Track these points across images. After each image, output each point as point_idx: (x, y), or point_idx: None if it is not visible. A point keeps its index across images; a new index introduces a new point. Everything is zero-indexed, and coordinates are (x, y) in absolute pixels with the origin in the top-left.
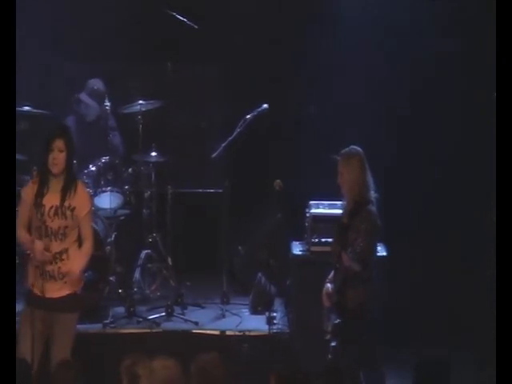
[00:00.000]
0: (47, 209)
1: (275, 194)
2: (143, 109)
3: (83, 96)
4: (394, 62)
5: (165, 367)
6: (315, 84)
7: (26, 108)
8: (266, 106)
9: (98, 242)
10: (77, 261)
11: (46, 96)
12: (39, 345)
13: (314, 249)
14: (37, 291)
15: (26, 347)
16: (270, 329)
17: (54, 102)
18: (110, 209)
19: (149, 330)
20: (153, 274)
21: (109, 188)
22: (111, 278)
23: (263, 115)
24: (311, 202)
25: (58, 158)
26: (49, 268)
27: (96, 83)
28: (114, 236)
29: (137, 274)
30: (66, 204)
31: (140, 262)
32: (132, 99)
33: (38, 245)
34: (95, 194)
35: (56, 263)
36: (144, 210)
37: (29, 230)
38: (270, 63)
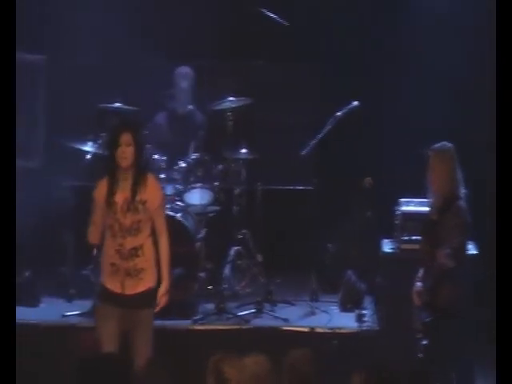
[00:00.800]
0: (119, 205)
1: (365, 191)
2: (233, 105)
3: (178, 79)
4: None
5: (255, 363)
6: (404, 81)
7: (117, 104)
8: (356, 103)
9: (188, 238)
10: (154, 257)
11: (137, 93)
12: (117, 341)
13: (404, 246)
14: (112, 288)
15: (109, 342)
16: (359, 326)
17: (144, 99)
18: (200, 205)
19: (238, 327)
20: (242, 271)
21: (199, 184)
22: (201, 275)
23: (353, 112)
24: (401, 200)
25: (126, 151)
26: (124, 265)
27: (185, 68)
28: (203, 232)
29: (226, 271)
30: (138, 198)
31: (230, 258)
32: (222, 96)
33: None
34: (185, 191)
35: (132, 260)
36: (234, 207)
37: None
38: (361, 60)
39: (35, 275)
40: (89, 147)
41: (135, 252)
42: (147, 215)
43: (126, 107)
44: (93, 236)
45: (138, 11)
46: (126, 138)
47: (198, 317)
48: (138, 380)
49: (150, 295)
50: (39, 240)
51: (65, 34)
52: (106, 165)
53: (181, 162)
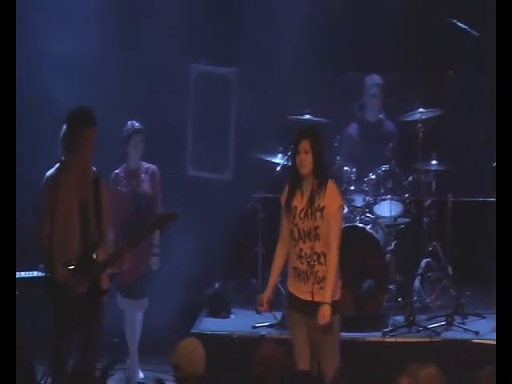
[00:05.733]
0: (298, 211)
1: None
2: (423, 117)
3: (368, 87)
4: None
5: (428, 376)
6: None
7: (307, 116)
8: None
9: (378, 250)
10: (330, 270)
11: (327, 105)
12: (308, 349)
13: None
14: (296, 293)
15: (299, 349)
16: None
17: (335, 111)
18: (390, 217)
19: (429, 339)
20: (433, 283)
21: (389, 196)
22: (391, 287)
23: None
24: None
25: (304, 159)
26: (305, 269)
27: (375, 76)
28: (393, 244)
29: (417, 283)
30: (316, 205)
31: (420, 270)
32: (412, 107)
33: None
34: (375, 203)
35: (314, 265)
36: (424, 219)
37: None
38: None
39: (226, 287)
40: (279, 159)
41: (317, 258)
42: (325, 222)
43: (316, 119)
44: (279, 241)
45: (331, 25)
46: (304, 145)
47: (388, 329)
48: None
49: (335, 305)
50: (230, 251)
51: (256, 48)
52: (288, 171)
53: (371, 174)
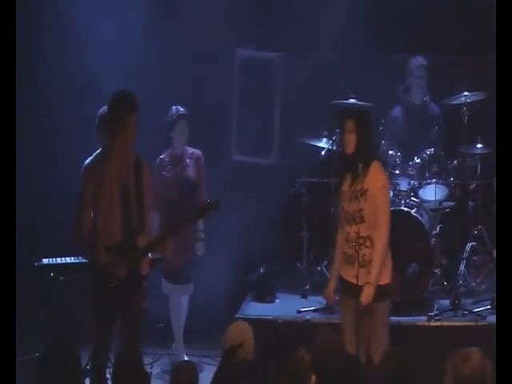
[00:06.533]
0: (345, 194)
1: None
2: (468, 100)
3: (413, 69)
4: None
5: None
6: None
7: (352, 100)
8: None
9: (423, 234)
10: (376, 252)
11: (371, 88)
12: (355, 333)
13: None
14: (346, 277)
15: (348, 333)
16: None
17: (379, 94)
18: (435, 201)
19: (474, 323)
20: (478, 267)
21: (434, 180)
22: (436, 271)
23: None
24: None
25: (348, 139)
26: (351, 253)
27: (420, 58)
28: (438, 228)
29: (462, 267)
30: (358, 187)
31: (465, 254)
32: (457, 91)
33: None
34: (420, 187)
35: (360, 249)
36: (469, 202)
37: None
38: None
39: (271, 271)
40: (323, 143)
41: (363, 242)
42: (369, 204)
43: (361, 102)
44: (339, 229)
45: (376, 7)
46: (349, 124)
47: (433, 313)
48: (372, 373)
49: (383, 289)
50: (275, 236)
51: (301, 32)
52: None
53: (416, 158)
